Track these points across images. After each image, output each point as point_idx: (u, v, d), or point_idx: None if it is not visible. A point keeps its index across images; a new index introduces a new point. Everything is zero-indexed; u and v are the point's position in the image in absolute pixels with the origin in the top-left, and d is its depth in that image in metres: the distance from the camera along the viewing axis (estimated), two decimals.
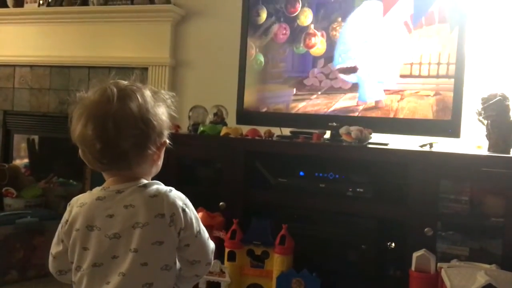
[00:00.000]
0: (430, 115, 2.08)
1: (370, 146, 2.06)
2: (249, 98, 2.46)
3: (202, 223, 1.13)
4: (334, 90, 2.28)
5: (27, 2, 3.43)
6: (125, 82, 1.08)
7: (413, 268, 1.77)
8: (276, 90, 2.42)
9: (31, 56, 3.43)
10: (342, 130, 2.07)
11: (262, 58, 2.44)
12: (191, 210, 1.08)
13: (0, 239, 2.42)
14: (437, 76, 2.07)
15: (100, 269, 1.02)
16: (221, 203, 2.19)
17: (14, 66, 3.54)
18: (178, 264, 1.11)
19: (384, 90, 2.17)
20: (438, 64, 2.07)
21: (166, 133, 1.10)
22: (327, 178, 2.14)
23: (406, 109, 2.13)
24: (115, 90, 1.03)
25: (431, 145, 2.01)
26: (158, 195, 1.05)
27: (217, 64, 2.95)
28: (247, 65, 2.45)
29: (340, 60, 2.25)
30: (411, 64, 2.12)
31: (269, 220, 2.07)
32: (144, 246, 1.01)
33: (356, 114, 2.23)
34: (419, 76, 2.11)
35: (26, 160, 3.71)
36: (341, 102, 2.26)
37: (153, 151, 1.06)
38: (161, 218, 1.02)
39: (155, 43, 3.08)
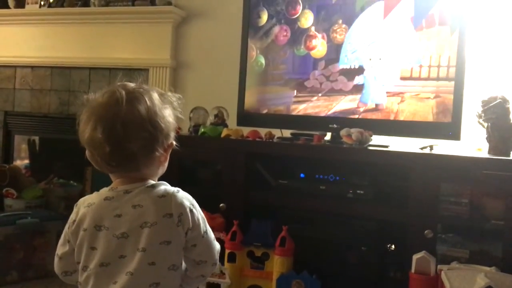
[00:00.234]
0: (430, 118, 2.08)
1: (370, 148, 2.06)
2: (250, 100, 2.46)
3: None
4: (334, 92, 2.28)
5: (28, 3, 3.43)
6: (133, 85, 1.08)
7: (413, 270, 1.77)
8: (276, 91, 2.42)
9: (32, 57, 3.43)
10: (343, 132, 2.07)
11: (262, 60, 2.44)
12: (198, 211, 1.09)
13: (1, 239, 2.43)
14: (438, 79, 2.08)
15: (108, 269, 1.03)
16: (221, 205, 2.19)
17: (15, 66, 3.55)
18: (184, 264, 1.12)
19: (385, 92, 2.17)
20: (439, 66, 2.07)
21: (172, 135, 1.11)
22: (327, 180, 2.14)
23: (406, 111, 2.13)
24: (123, 92, 1.03)
25: (431, 147, 2.02)
26: (166, 195, 1.06)
27: (218, 65, 2.95)
28: (248, 66, 2.45)
29: (346, 61, 2.25)
30: (412, 67, 2.12)
31: (270, 222, 2.08)
32: (152, 245, 1.02)
33: (356, 116, 2.23)
34: (420, 79, 2.11)
35: (26, 161, 3.71)
36: (342, 104, 2.27)
37: (161, 153, 1.07)
38: (169, 218, 1.03)
39: (156, 44, 3.08)
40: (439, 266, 1.73)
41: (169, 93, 1.13)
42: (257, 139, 2.26)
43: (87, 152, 1.07)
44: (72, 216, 1.10)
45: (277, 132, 2.36)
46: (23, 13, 3.44)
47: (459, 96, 2.03)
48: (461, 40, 2.03)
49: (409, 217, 1.91)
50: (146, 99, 1.05)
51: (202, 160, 2.45)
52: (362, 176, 2.09)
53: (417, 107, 2.11)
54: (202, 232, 1.09)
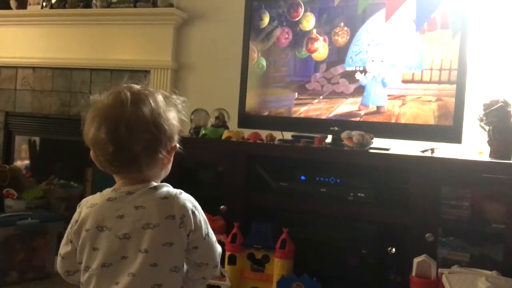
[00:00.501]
0: (431, 121, 2.08)
1: (371, 151, 2.06)
2: (251, 102, 2.46)
3: None
4: (336, 95, 2.28)
5: (30, 4, 3.44)
6: (138, 86, 1.09)
7: (413, 273, 1.77)
8: (278, 94, 2.42)
9: (34, 58, 3.44)
10: (344, 135, 2.07)
11: (264, 62, 2.44)
12: (200, 213, 1.09)
13: (1, 240, 2.42)
14: (439, 82, 2.08)
15: (109, 270, 1.03)
16: (222, 207, 2.19)
17: (16, 67, 3.55)
18: (185, 266, 1.12)
19: (387, 95, 2.17)
20: (440, 69, 2.07)
21: (176, 137, 1.11)
22: (328, 183, 2.14)
23: (408, 114, 2.13)
24: (128, 94, 1.04)
25: (432, 150, 2.01)
26: (169, 197, 1.06)
27: (219, 67, 2.96)
28: (249, 69, 2.46)
29: (351, 63, 2.25)
30: (413, 70, 2.12)
31: (270, 224, 2.08)
32: (155, 247, 1.02)
33: (357, 118, 2.23)
34: (421, 82, 2.11)
35: (27, 162, 3.71)
36: (343, 107, 2.27)
37: (164, 155, 1.08)
38: (172, 219, 1.04)
39: (158, 46, 3.09)
40: (440, 270, 1.73)
41: (174, 96, 1.13)
42: (258, 141, 2.26)
43: (91, 152, 1.07)
44: (75, 216, 1.10)
45: (278, 135, 2.36)
46: (24, 14, 3.45)
47: (460, 100, 2.03)
48: (463, 44, 2.03)
49: (410, 220, 1.91)
50: (151, 101, 1.05)
51: (203, 162, 2.45)
52: (363, 179, 2.09)
53: (418, 110, 2.11)
54: (204, 234, 1.09)
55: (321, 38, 2.31)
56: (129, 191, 1.07)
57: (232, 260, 2.05)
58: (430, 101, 2.09)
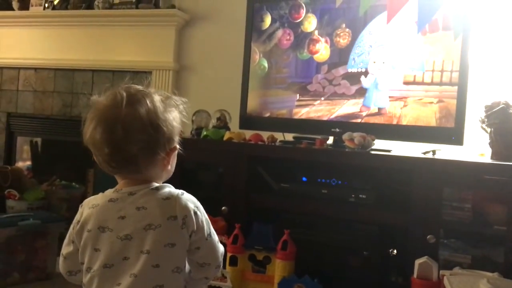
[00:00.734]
0: (433, 122, 2.08)
1: (373, 152, 2.06)
2: (253, 103, 2.46)
3: None
4: (337, 96, 2.28)
5: (32, 5, 3.45)
6: (137, 87, 1.08)
7: (415, 275, 1.77)
8: (279, 95, 2.42)
9: (36, 59, 3.45)
10: (345, 136, 2.07)
11: (265, 63, 2.44)
12: (202, 213, 1.09)
13: (2, 241, 2.42)
14: (441, 84, 2.08)
15: (111, 270, 1.03)
16: (223, 208, 2.19)
17: (18, 68, 3.56)
18: (187, 267, 1.12)
19: (388, 97, 2.17)
20: (442, 71, 2.07)
21: (176, 138, 1.11)
22: (329, 184, 2.14)
23: (409, 116, 2.13)
24: (124, 94, 1.04)
25: (434, 152, 2.01)
26: (171, 197, 1.06)
27: (220, 68, 2.96)
28: (251, 70, 2.46)
29: (353, 64, 2.25)
30: (415, 71, 2.12)
31: (271, 225, 2.07)
32: (157, 248, 1.02)
33: (359, 120, 2.23)
34: (423, 83, 2.11)
35: (28, 163, 3.72)
36: (344, 108, 2.27)
37: (162, 156, 1.07)
38: (174, 220, 1.03)
39: (159, 47, 3.09)
40: (441, 272, 1.72)
41: (175, 97, 1.12)
42: (259, 143, 2.26)
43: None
44: (77, 217, 1.10)
45: (279, 136, 2.36)
46: (27, 15, 3.46)
47: (462, 101, 2.02)
48: (465, 45, 2.03)
49: (411, 221, 1.91)
50: (147, 102, 1.05)
51: (204, 163, 2.45)
52: (364, 181, 2.09)
53: (420, 111, 2.11)
54: (206, 234, 1.09)
55: (322, 39, 2.31)
56: (130, 192, 1.06)
57: (233, 261, 2.05)
58: (431, 102, 2.09)
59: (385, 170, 2.06)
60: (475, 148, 2.13)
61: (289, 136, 2.41)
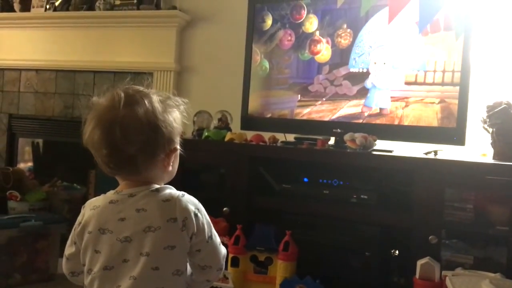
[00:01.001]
0: (435, 123, 2.08)
1: (374, 153, 2.05)
2: (254, 104, 2.46)
3: None
4: (338, 97, 2.28)
5: (33, 7, 3.46)
6: (136, 88, 1.08)
7: (417, 276, 1.76)
8: (280, 96, 2.42)
9: (37, 60, 3.45)
10: (347, 137, 2.07)
11: (267, 64, 2.44)
12: (203, 215, 1.08)
13: (4, 242, 2.43)
14: (442, 84, 2.07)
15: (111, 273, 1.02)
16: (224, 209, 2.19)
17: (20, 70, 3.57)
18: (189, 269, 1.11)
19: (390, 97, 2.17)
20: (443, 71, 2.07)
21: (177, 139, 1.10)
22: (331, 185, 2.14)
23: (411, 116, 2.13)
24: (122, 95, 1.03)
25: (435, 152, 2.01)
26: (171, 199, 1.05)
27: (222, 69, 2.96)
28: (252, 71, 2.46)
29: (354, 64, 2.25)
30: (416, 71, 2.12)
31: (273, 226, 2.07)
32: (156, 250, 1.01)
33: (360, 120, 2.23)
34: (424, 84, 2.10)
35: (30, 164, 3.72)
36: (346, 109, 2.26)
37: (162, 157, 1.07)
38: (174, 222, 1.02)
39: (161, 48, 3.10)
40: (443, 272, 1.72)
41: (176, 98, 1.11)
42: (261, 143, 2.26)
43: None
44: (79, 218, 1.10)
45: (280, 137, 2.36)
46: (28, 16, 3.47)
47: (464, 101, 2.02)
48: (466, 45, 2.02)
49: (413, 222, 1.90)
50: (146, 102, 1.04)
51: (206, 164, 2.45)
52: (366, 181, 2.09)
53: (421, 112, 2.10)
54: (207, 237, 1.08)
55: (324, 40, 2.31)
56: (130, 193, 1.06)
57: (235, 262, 2.04)
58: (433, 103, 2.09)
59: (386, 171, 2.06)
60: (477, 148, 2.12)
61: (291, 137, 2.40)
